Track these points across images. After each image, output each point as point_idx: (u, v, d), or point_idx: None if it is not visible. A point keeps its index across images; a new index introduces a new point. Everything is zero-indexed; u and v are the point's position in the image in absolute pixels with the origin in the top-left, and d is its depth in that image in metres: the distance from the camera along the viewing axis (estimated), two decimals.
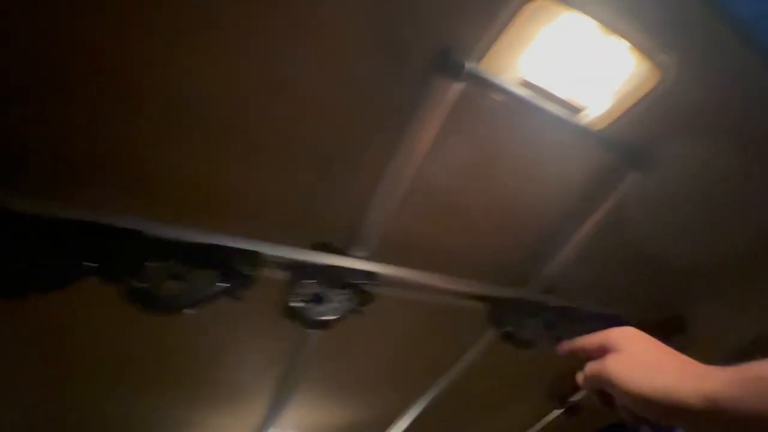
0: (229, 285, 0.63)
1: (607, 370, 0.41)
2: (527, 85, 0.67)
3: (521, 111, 0.69)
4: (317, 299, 0.70)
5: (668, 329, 1.22)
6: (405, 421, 1.41)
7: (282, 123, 0.69)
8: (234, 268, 0.64)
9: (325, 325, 0.64)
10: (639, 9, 0.60)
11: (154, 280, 0.57)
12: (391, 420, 1.48)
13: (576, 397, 1.45)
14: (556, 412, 1.52)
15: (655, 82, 0.68)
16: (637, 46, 0.63)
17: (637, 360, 0.41)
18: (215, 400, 1.34)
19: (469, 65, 0.61)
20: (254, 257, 0.67)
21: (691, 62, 0.66)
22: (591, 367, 0.44)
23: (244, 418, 1.47)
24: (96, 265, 0.56)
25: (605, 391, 0.43)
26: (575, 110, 0.72)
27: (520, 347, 0.88)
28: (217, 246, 0.66)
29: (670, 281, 1.17)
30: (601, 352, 0.44)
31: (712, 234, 1.00)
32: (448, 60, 0.60)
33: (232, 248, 0.67)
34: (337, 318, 0.65)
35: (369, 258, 0.81)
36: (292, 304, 0.66)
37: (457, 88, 0.62)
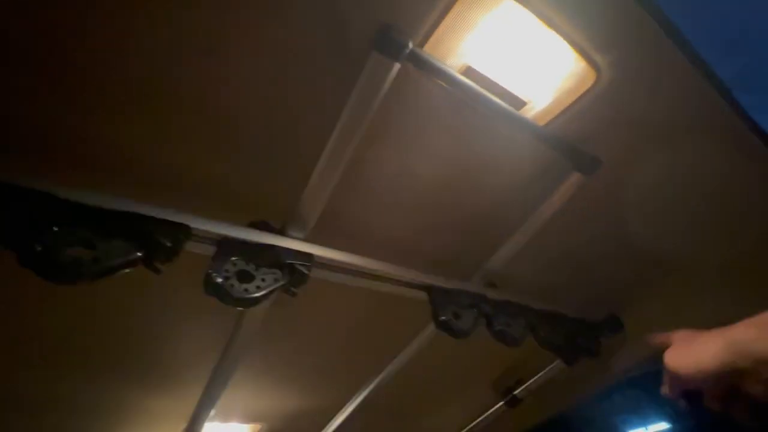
0: (142, 254, 0.59)
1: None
2: (471, 72, 0.66)
3: (464, 99, 0.69)
4: (243, 276, 0.67)
5: (605, 328, 1.28)
6: (349, 409, 1.41)
7: (218, 99, 0.66)
8: (155, 239, 0.61)
9: (248, 302, 0.62)
10: (578, 7, 0.61)
11: (56, 245, 0.53)
12: (336, 408, 1.48)
13: (518, 391, 1.50)
14: (500, 404, 1.56)
15: (592, 81, 0.69)
16: (574, 44, 0.64)
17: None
18: (151, 382, 1.30)
19: (410, 46, 0.60)
20: (179, 228, 0.64)
21: (628, 63, 0.68)
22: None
23: (182, 401, 1.42)
24: None
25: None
26: (519, 103, 0.72)
27: (455, 336, 0.89)
28: (139, 215, 0.62)
29: (608, 281, 1.22)
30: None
31: (650, 235, 1.05)
32: (389, 39, 0.59)
33: (155, 218, 0.63)
34: (263, 295, 0.63)
35: (305, 239, 0.80)
36: (217, 280, 0.63)
37: (396, 68, 0.61)
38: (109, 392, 1.29)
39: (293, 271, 0.73)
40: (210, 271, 0.64)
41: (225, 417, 1.53)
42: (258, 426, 1.69)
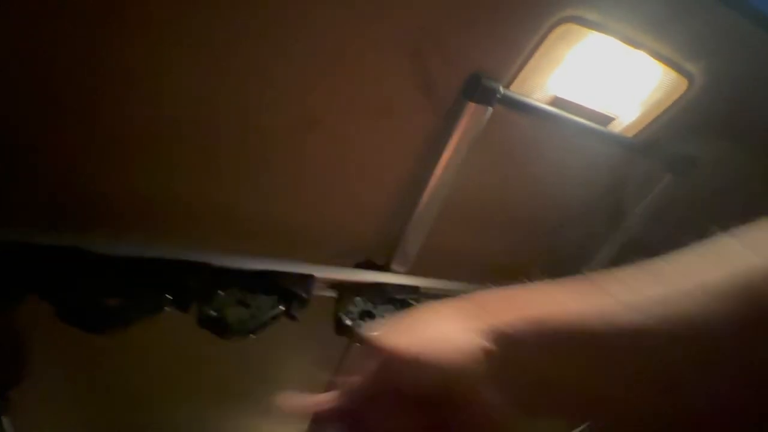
0: (286, 308, 0.68)
1: None
2: (558, 101, 0.69)
3: (553, 126, 0.71)
4: (366, 315, 0.74)
5: None
6: None
7: (317, 158, 0.74)
8: (291, 291, 0.70)
9: None
10: (662, 23, 0.62)
11: (222, 307, 0.63)
12: None
13: None
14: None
15: (683, 89, 0.69)
16: (662, 58, 0.64)
17: None
18: (264, 412, 1.40)
19: (500, 90, 0.64)
20: (308, 279, 0.73)
21: (719, 68, 0.67)
22: None
23: (292, 425, 1.52)
24: (172, 297, 0.62)
25: None
26: (606, 120, 0.74)
27: None
28: (274, 272, 0.71)
29: None
30: None
31: None
32: (479, 86, 0.64)
33: (287, 273, 0.72)
34: None
35: (409, 272, 0.86)
36: (347, 322, 0.70)
37: (489, 112, 0.66)
38: (222, 428, 1.42)
39: (404, 304, 0.79)
40: (340, 314, 0.71)
41: None
42: None
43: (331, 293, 0.78)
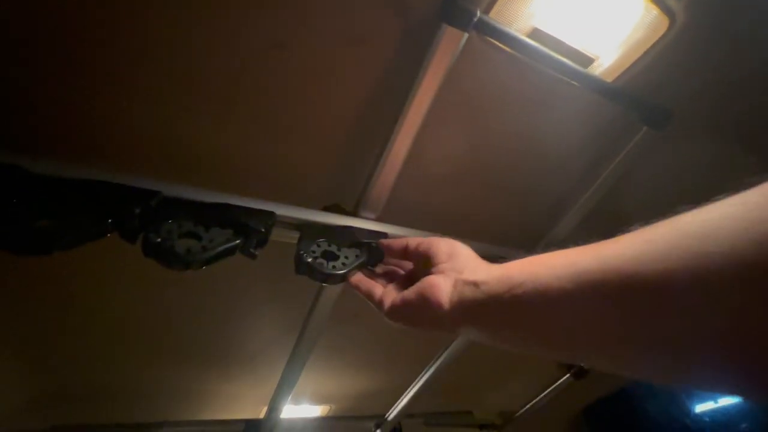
0: (240, 241, 0.64)
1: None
2: (538, 33, 0.66)
3: (530, 63, 0.68)
4: (328, 255, 0.71)
5: None
6: (415, 388, 1.45)
7: (288, 89, 0.69)
8: (249, 227, 0.66)
9: (337, 278, 0.66)
10: None
11: (170, 236, 0.59)
12: (404, 387, 1.52)
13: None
14: (566, 377, 1.55)
15: (665, 29, 0.67)
16: None
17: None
18: (229, 368, 1.38)
19: (477, 13, 0.60)
20: (268, 216, 0.69)
21: (700, 6, 0.65)
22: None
23: (258, 385, 1.51)
24: (116, 221, 0.57)
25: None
26: (587, 61, 0.71)
27: None
28: (233, 206, 0.67)
29: None
30: (420, 258, 0.54)
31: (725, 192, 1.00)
32: (457, 8, 0.60)
33: (247, 208, 0.68)
34: (348, 272, 0.67)
35: (377, 219, 0.82)
36: (307, 259, 0.67)
37: (465, 38, 0.62)
38: (189, 379, 1.39)
39: (370, 249, 0.76)
40: (301, 252, 0.67)
41: (296, 399, 1.61)
42: (327, 407, 1.77)
43: (295, 239, 0.74)
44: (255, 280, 1.02)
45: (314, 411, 1.71)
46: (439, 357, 1.33)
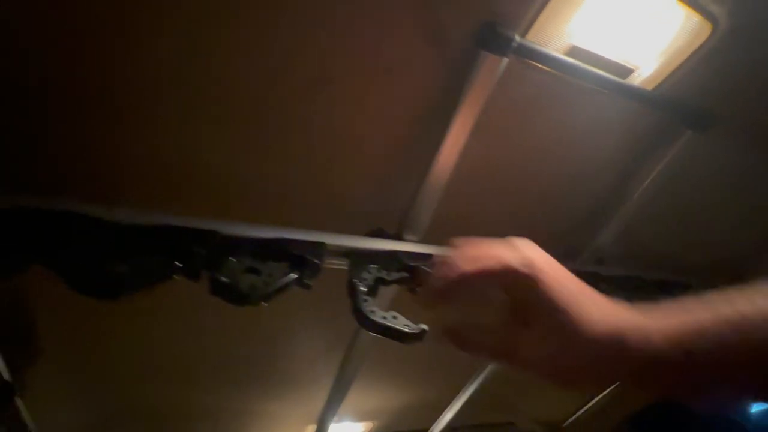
0: (298, 275, 0.66)
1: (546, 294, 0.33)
2: (576, 51, 0.66)
3: (570, 77, 0.68)
4: (382, 282, 0.72)
5: None
6: (458, 404, 1.43)
7: (330, 121, 0.72)
8: (304, 258, 0.68)
9: (417, 337, 0.65)
10: None
11: (234, 274, 0.61)
12: (446, 400, 1.51)
13: None
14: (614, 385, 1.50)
15: (707, 35, 0.66)
16: (686, 0, 0.61)
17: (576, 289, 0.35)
18: (273, 387, 1.40)
19: (516, 38, 0.61)
20: (319, 246, 0.71)
21: (745, 10, 0.64)
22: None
23: (301, 404, 1.52)
24: (181, 264, 0.60)
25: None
26: (626, 71, 0.71)
27: None
28: (286, 239, 0.68)
29: (723, 245, 1.14)
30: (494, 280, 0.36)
31: None
32: (494, 34, 0.61)
33: (297, 240, 0.70)
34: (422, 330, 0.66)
35: (422, 240, 0.84)
36: (361, 288, 0.68)
37: (504, 62, 0.63)
38: (233, 400, 1.42)
39: (417, 271, 0.77)
40: (354, 280, 0.69)
41: (339, 417, 1.61)
42: (370, 424, 1.77)
43: (343, 264, 0.76)
44: (302, 302, 1.04)
45: (357, 429, 1.71)
46: (483, 369, 1.32)
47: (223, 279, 0.60)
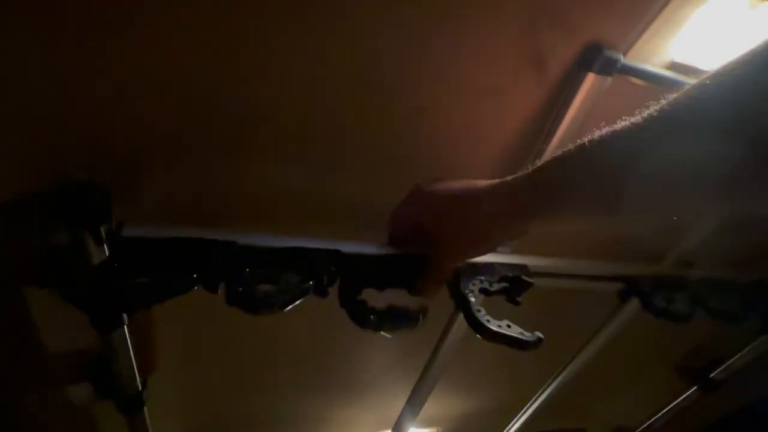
0: (313, 283, 0.66)
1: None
2: (676, 65, 0.68)
3: (669, 90, 0.70)
4: (484, 291, 0.76)
5: None
6: (533, 407, 1.44)
7: (432, 150, 0.75)
8: (317, 268, 0.67)
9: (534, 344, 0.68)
10: None
11: (251, 285, 0.63)
12: (512, 409, 1.52)
13: (715, 372, 1.39)
14: (692, 390, 1.46)
15: None
16: None
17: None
18: (347, 395, 1.45)
19: (621, 59, 0.64)
20: (335, 255, 0.68)
21: None
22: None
23: (376, 413, 1.57)
24: (196, 275, 0.62)
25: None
26: None
27: (676, 322, 0.88)
28: (301, 248, 0.67)
29: None
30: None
31: None
32: (599, 56, 0.64)
33: (314, 249, 0.68)
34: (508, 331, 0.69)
35: (514, 252, 0.87)
36: (471, 298, 0.72)
37: (608, 82, 0.66)
38: (309, 407, 1.48)
39: (518, 282, 0.80)
40: (464, 291, 0.73)
41: (407, 423, 1.63)
42: (434, 430, 1.79)
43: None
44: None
45: None
46: (559, 374, 1.32)
47: (239, 288, 0.61)
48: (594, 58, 0.64)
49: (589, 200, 0.41)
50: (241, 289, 0.61)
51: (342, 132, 0.70)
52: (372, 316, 0.67)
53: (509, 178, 0.48)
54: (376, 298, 0.70)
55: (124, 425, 0.95)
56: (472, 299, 0.73)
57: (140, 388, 0.87)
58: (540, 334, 0.68)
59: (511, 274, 0.81)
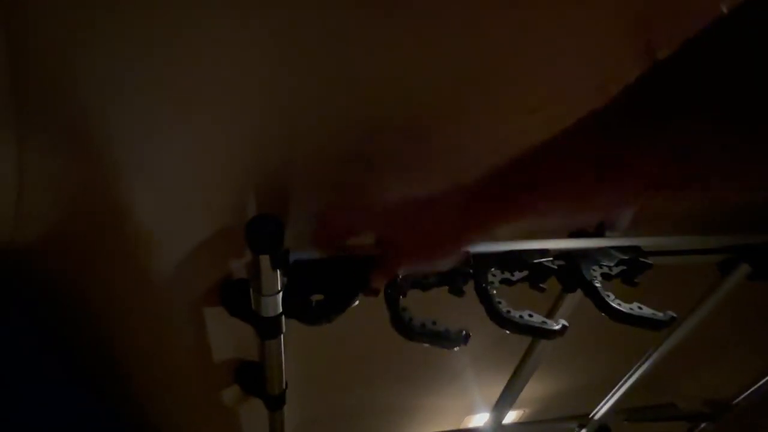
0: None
1: None
2: None
3: None
4: (606, 277, 0.80)
5: None
6: (629, 383, 1.45)
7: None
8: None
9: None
10: None
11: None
12: (609, 386, 1.53)
13: None
14: None
15: None
16: None
17: None
18: (439, 384, 1.52)
19: None
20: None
21: None
22: None
23: (465, 399, 1.63)
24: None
25: None
26: None
27: None
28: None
29: None
30: None
31: None
32: None
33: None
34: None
35: (626, 235, 0.90)
36: (596, 284, 0.77)
37: None
38: (402, 397, 1.56)
39: (636, 263, 0.83)
40: (589, 278, 0.78)
41: (485, 407, 1.67)
42: (521, 412, 1.84)
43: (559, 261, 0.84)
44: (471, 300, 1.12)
45: (510, 416, 1.79)
46: (655, 350, 1.33)
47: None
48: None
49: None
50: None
51: None
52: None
53: None
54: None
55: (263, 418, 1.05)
56: (598, 285, 0.77)
57: (284, 387, 0.97)
58: (673, 313, 0.71)
59: (627, 257, 0.84)
